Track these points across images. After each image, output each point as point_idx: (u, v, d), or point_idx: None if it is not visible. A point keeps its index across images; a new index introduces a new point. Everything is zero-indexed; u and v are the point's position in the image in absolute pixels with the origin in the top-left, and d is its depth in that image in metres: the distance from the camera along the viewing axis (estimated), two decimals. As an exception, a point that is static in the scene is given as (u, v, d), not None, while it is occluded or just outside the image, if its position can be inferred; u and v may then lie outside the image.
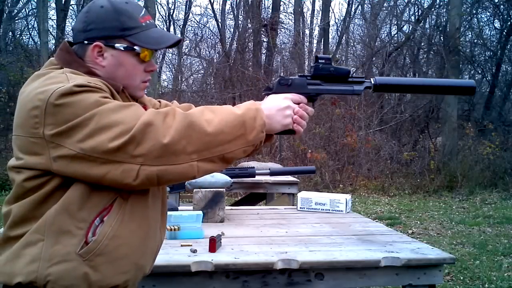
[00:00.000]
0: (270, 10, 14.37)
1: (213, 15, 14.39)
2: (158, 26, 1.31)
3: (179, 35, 15.08)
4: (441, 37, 12.51)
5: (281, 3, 14.51)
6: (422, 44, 13.42)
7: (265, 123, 1.19)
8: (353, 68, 14.25)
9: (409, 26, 13.90)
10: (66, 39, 1.29)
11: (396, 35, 14.26)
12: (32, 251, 1.11)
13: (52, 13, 13.94)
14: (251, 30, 13.36)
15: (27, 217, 1.13)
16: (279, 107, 1.23)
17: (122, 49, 1.22)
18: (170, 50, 15.48)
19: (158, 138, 1.07)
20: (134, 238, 1.21)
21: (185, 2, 15.49)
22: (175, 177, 1.13)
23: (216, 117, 1.14)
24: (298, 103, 1.27)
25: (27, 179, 1.13)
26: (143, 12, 1.25)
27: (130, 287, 1.25)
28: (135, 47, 1.23)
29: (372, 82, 1.33)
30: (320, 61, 1.31)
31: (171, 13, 15.84)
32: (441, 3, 13.32)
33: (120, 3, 1.23)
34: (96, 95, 1.10)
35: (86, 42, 1.22)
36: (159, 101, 1.49)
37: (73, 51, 1.24)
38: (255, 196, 4.92)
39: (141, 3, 13.61)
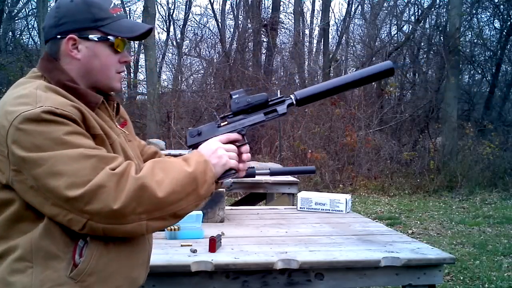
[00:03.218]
0: (270, 10, 14.38)
1: (213, 15, 14.42)
2: (128, 18, 1.32)
3: (179, 35, 15.14)
4: (441, 37, 12.51)
5: (281, 3, 14.53)
6: (422, 44, 13.42)
7: (214, 174, 1.20)
8: (353, 68, 14.27)
9: (409, 26, 13.90)
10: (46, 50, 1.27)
11: (396, 35, 14.26)
12: (22, 280, 1.09)
13: (52, 13, 13.93)
14: (251, 30, 13.36)
15: (2, 234, 1.12)
16: (211, 150, 1.23)
17: (96, 39, 1.22)
18: (170, 50, 15.49)
19: (108, 202, 1.05)
20: (122, 253, 1.20)
21: (185, 2, 15.50)
22: (122, 235, 1.12)
23: (167, 177, 1.12)
24: (231, 141, 1.26)
25: None
26: (112, 4, 1.26)
27: None
28: (108, 37, 1.22)
29: (293, 98, 1.31)
30: (234, 96, 1.29)
31: (171, 13, 15.85)
32: (441, 3, 13.32)
33: None
34: (61, 129, 1.07)
35: (59, 36, 1.21)
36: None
37: (53, 58, 1.23)
38: (255, 196, 4.92)
39: (141, 3, 13.61)
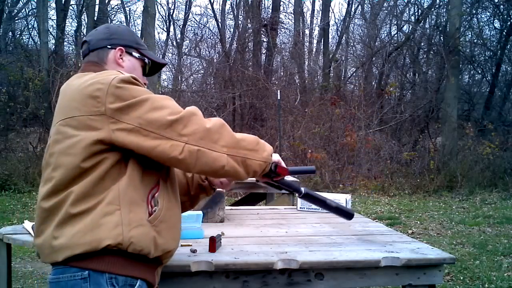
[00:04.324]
0: (270, 10, 14.37)
1: (213, 15, 14.41)
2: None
3: (179, 35, 15.16)
4: (441, 37, 12.51)
5: (281, 3, 14.52)
6: (422, 44, 13.42)
7: (272, 151, 1.51)
8: (353, 68, 14.27)
9: (409, 26, 13.90)
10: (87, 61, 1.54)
11: (396, 35, 14.26)
12: (112, 219, 1.28)
13: (52, 13, 13.95)
14: (251, 30, 13.36)
15: (89, 194, 1.30)
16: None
17: (137, 56, 1.58)
18: (170, 50, 15.49)
19: (202, 123, 1.35)
20: (176, 211, 1.48)
21: (185, 2, 15.50)
22: (209, 161, 1.35)
23: (237, 132, 1.44)
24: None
25: (84, 160, 1.29)
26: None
27: (170, 258, 1.49)
28: (145, 58, 1.60)
29: (303, 192, 1.81)
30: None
31: (171, 13, 15.85)
32: (441, 3, 13.33)
33: (130, 28, 1.67)
34: (146, 89, 1.38)
35: (109, 46, 1.53)
36: None
37: (99, 64, 1.51)
38: (255, 196, 4.91)
39: (141, 3, 13.61)
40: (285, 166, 1.57)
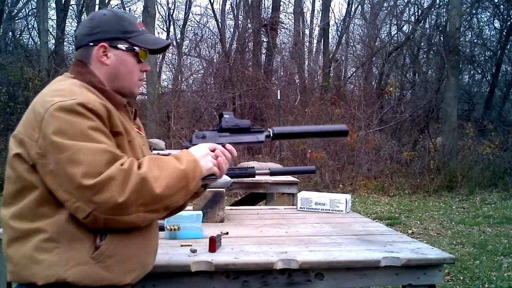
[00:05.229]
0: (270, 10, 14.37)
1: (213, 15, 14.40)
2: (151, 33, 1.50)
3: (179, 35, 15.16)
4: (441, 37, 12.51)
5: (281, 3, 14.52)
6: (422, 44, 13.42)
7: (202, 171, 1.35)
8: (353, 68, 14.26)
9: (409, 26, 13.90)
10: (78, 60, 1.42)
11: (396, 35, 14.26)
12: (49, 258, 1.22)
13: (52, 13, 13.94)
14: (251, 30, 13.36)
15: (25, 216, 1.25)
16: (201, 154, 1.37)
17: (124, 49, 1.39)
18: (170, 50, 15.46)
19: (115, 195, 1.17)
20: (140, 239, 1.34)
21: (185, 2, 15.49)
22: (121, 226, 1.24)
23: (162, 174, 1.26)
24: (214, 150, 1.41)
25: (27, 172, 1.24)
26: (138, 21, 1.46)
27: (134, 284, 1.37)
28: (135, 48, 1.40)
29: (271, 132, 1.51)
30: (225, 116, 1.49)
31: (171, 13, 15.83)
32: (441, 3, 13.32)
33: (119, 12, 1.43)
34: (87, 123, 1.22)
35: (91, 44, 1.38)
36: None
37: (85, 64, 1.39)
38: (255, 196, 4.91)
39: (141, 3, 13.61)
40: (215, 176, 1.39)
